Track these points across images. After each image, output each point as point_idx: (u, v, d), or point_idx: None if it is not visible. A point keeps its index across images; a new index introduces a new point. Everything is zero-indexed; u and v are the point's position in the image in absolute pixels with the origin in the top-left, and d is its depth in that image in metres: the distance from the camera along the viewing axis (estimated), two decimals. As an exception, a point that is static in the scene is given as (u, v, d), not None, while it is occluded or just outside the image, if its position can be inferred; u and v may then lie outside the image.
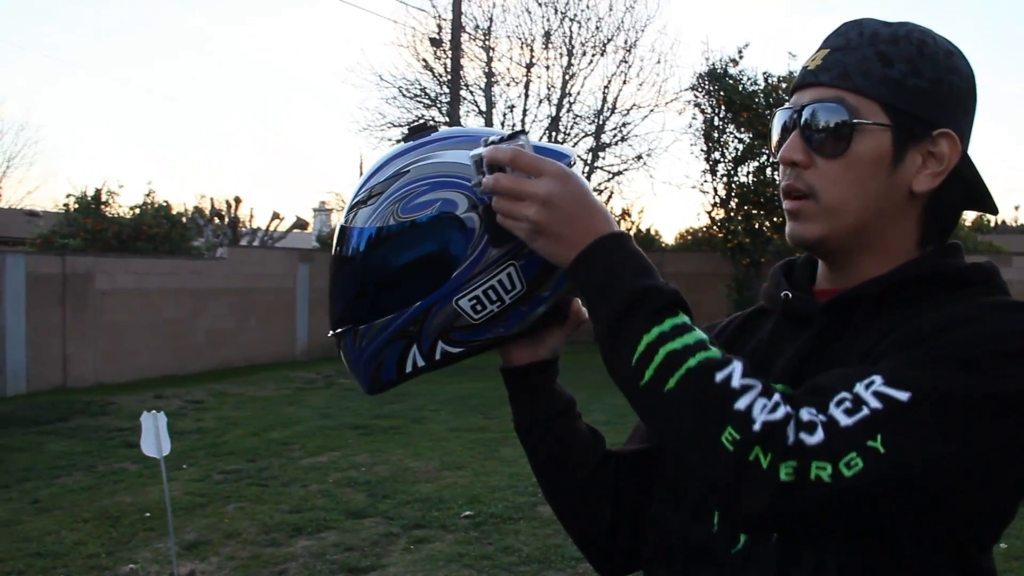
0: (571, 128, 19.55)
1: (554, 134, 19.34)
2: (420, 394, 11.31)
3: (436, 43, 18.92)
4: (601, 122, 19.29)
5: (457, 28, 18.88)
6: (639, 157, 19.40)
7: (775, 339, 1.12)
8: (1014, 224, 54.84)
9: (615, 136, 19.50)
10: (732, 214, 17.29)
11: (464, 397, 11.03)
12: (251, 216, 21.11)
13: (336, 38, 64.48)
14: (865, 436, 0.84)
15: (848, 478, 0.83)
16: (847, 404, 0.86)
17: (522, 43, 18.99)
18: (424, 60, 19.05)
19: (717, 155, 17.85)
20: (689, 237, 22.44)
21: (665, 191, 51.81)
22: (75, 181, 39.25)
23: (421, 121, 1.20)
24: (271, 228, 20.55)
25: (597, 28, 18.91)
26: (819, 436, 0.85)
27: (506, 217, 1.04)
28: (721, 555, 1.03)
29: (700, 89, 18.76)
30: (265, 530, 5.50)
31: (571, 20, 18.75)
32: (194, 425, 9.13)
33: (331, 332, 1.22)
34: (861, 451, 0.84)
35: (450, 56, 18.87)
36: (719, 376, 0.89)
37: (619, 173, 20.26)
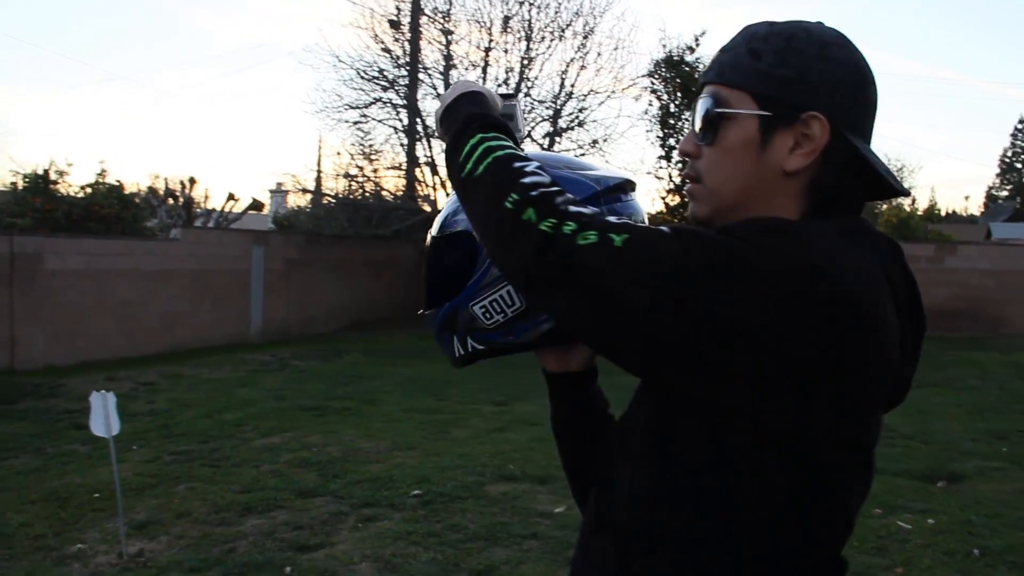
0: (529, 112, 19.59)
1: (511, 118, 19.30)
2: (374, 376, 11.37)
3: (395, 25, 18.83)
4: (559, 107, 19.36)
5: (416, 10, 18.83)
6: (595, 143, 19.48)
7: None
8: (964, 214, 55.95)
9: (572, 121, 19.57)
10: (686, 200, 17.49)
11: (417, 379, 11.09)
12: (206, 197, 20.97)
13: (294, 17, 63.74)
14: (609, 230, 1.02)
15: (584, 244, 1.01)
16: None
17: (481, 27, 18.98)
18: (382, 42, 18.97)
19: (673, 141, 18.06)
20: (645, 223, 22.60)
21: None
22: (20, 159, 38.43)
23: None
24: (226, 209, 20.38)
25: (556, 13, 18.94)
26: (576, 211, 1.05)
27: None
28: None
29: (657, 76, 18.94)
30: (215, 509, 5.54)
31: (530, 4, 18.75)
32: (146, 407, 9.10)
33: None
34: (601, 233, 1.02)
35: (408, 39, 18.82)
36: (517, 164, 1.12)
37: (576, 158, 20.35)
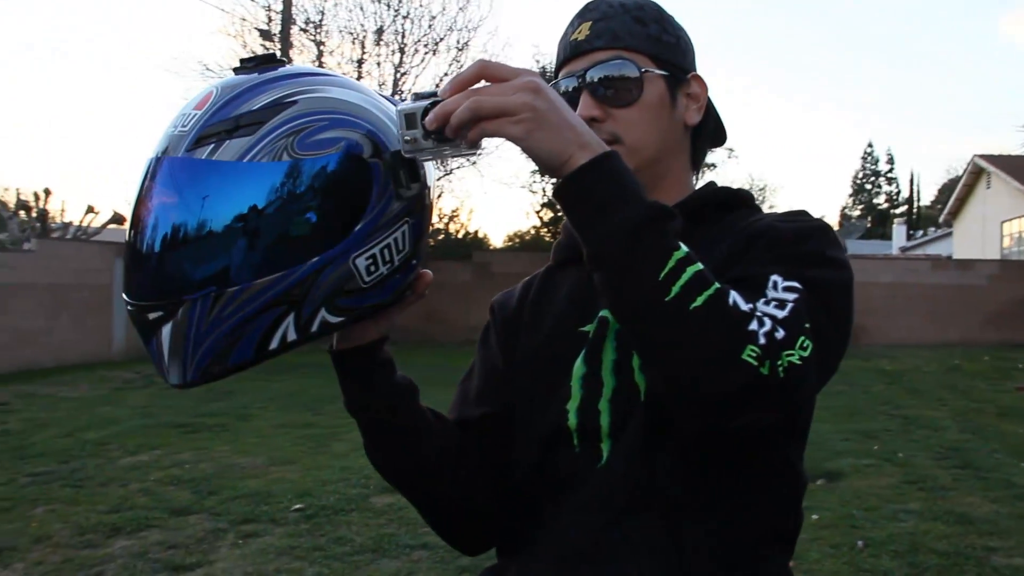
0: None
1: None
2: (245, 392, 10.97)
3: (265, 35, 18.44)
4: (433, 121, 19.24)
5: (287, 20, 18.46)
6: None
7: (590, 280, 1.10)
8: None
9: (447, 134, 19.52)
10: (559, 214, 17.75)
11: (291, 394, 10.78)
12: (63, 210, 19.95)
13: (161, 25, 61.67)
14: (800, 321, 0.96)
15: (806, 357, 0.95)
16: (774, 302, 0.98)
17: (353, 38, 18.76)
18: (252, 52, 18.48)
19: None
20: (518, 241, 22.91)
21: (495, 192, 52.23)
22: None
23: (269, 52, 1.04)
24: (85, 223, 19.43)
25: (430, 27, 18.94)
26: (781, 333, 0.94)
27: (496, 116, 0.91)
28: (587, 473, 1.14)
29: (531, 91, 19.14)
30: (80, 531, 5.16)
31: (404, 17, 18.68)
32: (-3, 427, 8.50)
33: (162, 301, 0.94)
34: (805, 334, 0.96)
35: (279, 49, 18.41)
36: (730, 299, 0.93)
37: (450, 172, 20.39)
